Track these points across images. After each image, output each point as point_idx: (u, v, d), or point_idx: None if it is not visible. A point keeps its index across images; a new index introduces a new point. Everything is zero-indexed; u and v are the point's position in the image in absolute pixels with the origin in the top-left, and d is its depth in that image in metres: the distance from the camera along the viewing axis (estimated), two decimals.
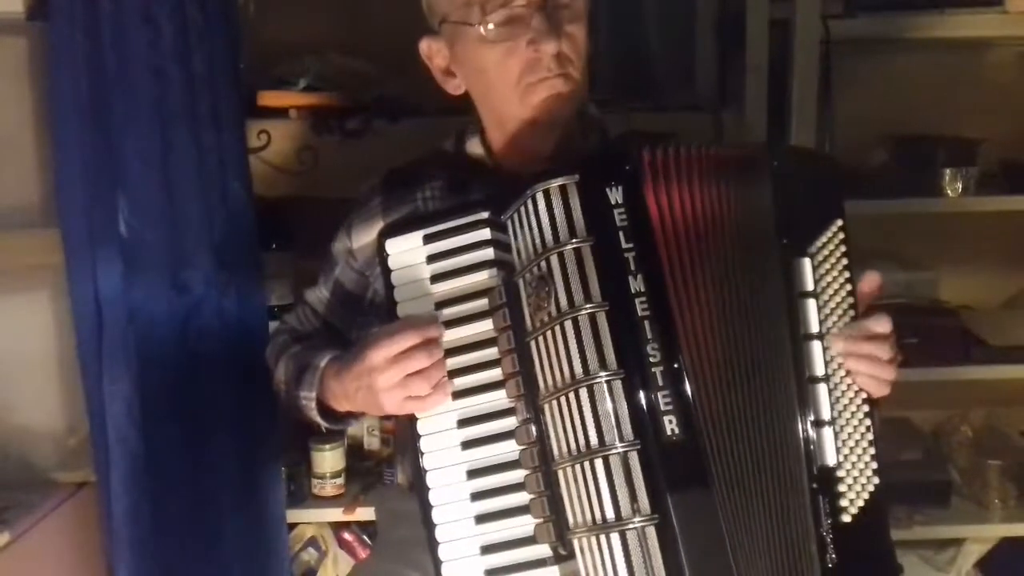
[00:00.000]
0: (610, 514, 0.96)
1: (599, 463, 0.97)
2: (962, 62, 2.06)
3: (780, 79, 1.83)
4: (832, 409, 1.07)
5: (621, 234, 1.00)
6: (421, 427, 1.09)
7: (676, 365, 0.98)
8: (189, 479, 1.59)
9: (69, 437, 1.89)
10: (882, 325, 1.10)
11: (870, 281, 1.14)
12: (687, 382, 0.98)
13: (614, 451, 0.96)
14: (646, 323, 0.98)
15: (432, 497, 1.07)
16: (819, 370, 1.07)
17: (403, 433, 1.39)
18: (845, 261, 1.11)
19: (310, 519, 1.91)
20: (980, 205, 1.89)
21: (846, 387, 1.09)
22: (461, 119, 1.31)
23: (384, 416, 1.96)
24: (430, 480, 1.07)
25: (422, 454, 1.08)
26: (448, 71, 1.25)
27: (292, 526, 1.87)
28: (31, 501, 1.74)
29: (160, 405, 1.55)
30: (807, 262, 1.08)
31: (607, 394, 0.97)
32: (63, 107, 1.54)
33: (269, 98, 1.83)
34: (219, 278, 1.58)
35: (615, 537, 0.96)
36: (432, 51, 1.25)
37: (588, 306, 0.98)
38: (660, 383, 0.97)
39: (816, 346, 1.07)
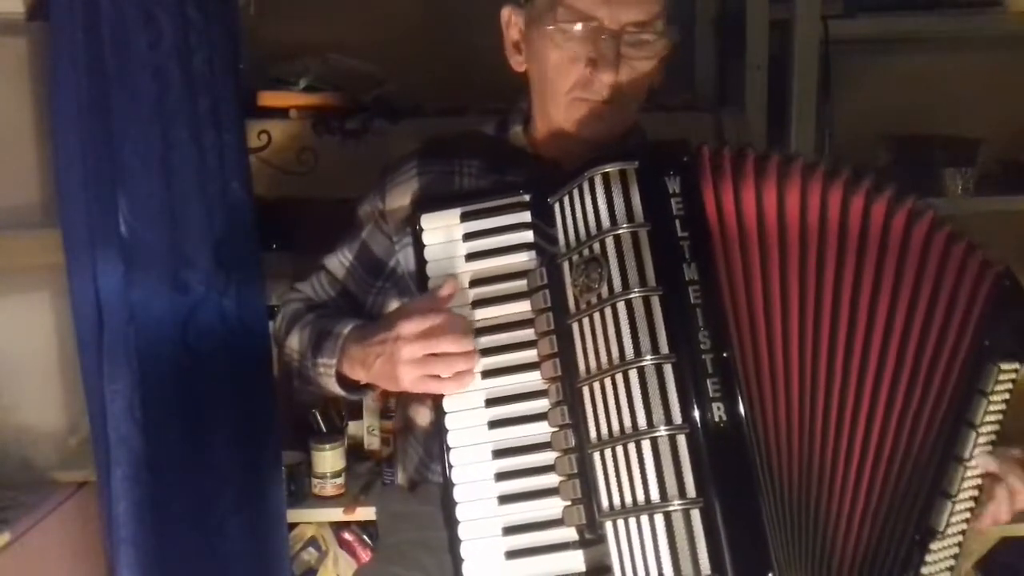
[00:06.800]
0: (655, 496, 0.96)
1: (646, 444, 0.97)
2: (962, 62, 2.06)
3: (780, 79, 1.83)
4: (958, 490, 1.09)
5: (677, 222, 1.01)
6: (447, 404, 1.08)
7: (726, 355, 0.98)
8: (189, 479, 1.58)
9: (69, 437, 1.89)
10: None
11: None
12: (737, 372, 0.98)
13: (660, 433, 0.96)
14: (699, 311, 0.99)
15: (455, 475, 1.06)
16: (965, 454, 1.09)
17: (402, 433, 1.39)
18: (1007, 396, 1.12)
19: (310, 519, 1.91)
20: (980, 205, 1.89)
21: (971, 492, 1.11)
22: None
23: (384, 416, 1.96)
24: (453, 458, 1.06)
25: (447, 431, 1.07)
26: (517, 45, 1.26)
27: (292, 526, 1.87)
28: (31, 501, 1.73)
29: (161, 405, 1.55)
30: (995, 370, 1.10)
31: (656, 377, 0.97)
32: (63, 107, 1.53)
33: (269, 98, 1.83)
34: (219, 278, 1.57)
35: (659, 519, 0.95)
36: (511, 21, 1.25)
37: (642, 289, 0.99)
38: (710, 370, 0.97)
39: (971, 434, 1.09)
